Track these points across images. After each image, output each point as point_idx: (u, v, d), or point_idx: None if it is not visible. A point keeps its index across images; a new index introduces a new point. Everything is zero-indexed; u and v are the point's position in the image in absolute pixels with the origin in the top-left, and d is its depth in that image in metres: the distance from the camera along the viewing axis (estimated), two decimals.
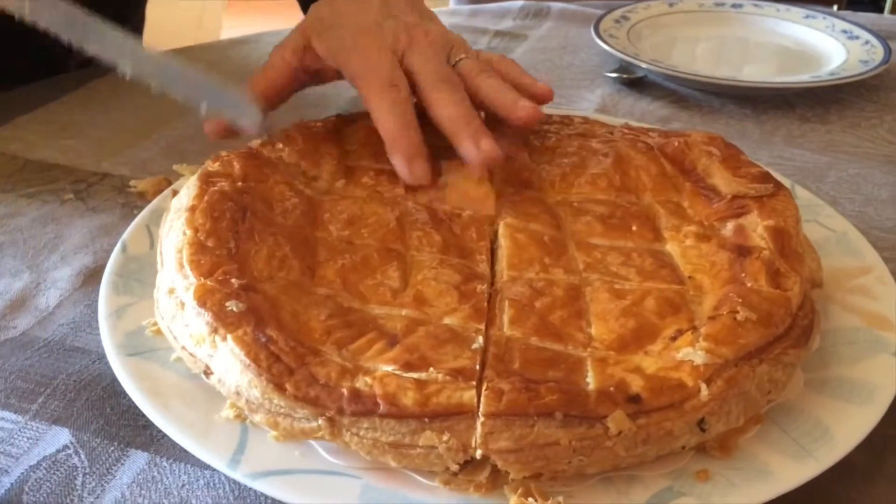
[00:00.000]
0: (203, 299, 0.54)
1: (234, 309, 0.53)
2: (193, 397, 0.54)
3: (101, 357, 0.59)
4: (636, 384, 0.49)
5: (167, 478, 0.53)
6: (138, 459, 0.54)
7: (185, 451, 0.51)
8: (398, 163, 0.69)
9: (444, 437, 0.47)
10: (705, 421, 0.49)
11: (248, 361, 0.50)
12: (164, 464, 0.53)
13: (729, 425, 0.50)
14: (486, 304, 0.57)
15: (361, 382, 0.49)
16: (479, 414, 0.47)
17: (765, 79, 1.15)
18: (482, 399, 0.48)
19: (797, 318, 0.55)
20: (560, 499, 0.46)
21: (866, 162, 0.96)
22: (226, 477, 0.51)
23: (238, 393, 0.50)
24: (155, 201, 0.73)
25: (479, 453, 0.47)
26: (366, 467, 0.49)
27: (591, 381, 0.50)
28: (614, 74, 1.16)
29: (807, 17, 1.30)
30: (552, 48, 1.27)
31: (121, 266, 0.65)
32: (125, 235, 0.69)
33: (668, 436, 0.48)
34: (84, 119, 0.99)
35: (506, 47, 1.27)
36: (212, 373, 0.52)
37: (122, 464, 0.53)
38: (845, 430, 0.52)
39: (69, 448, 0.54)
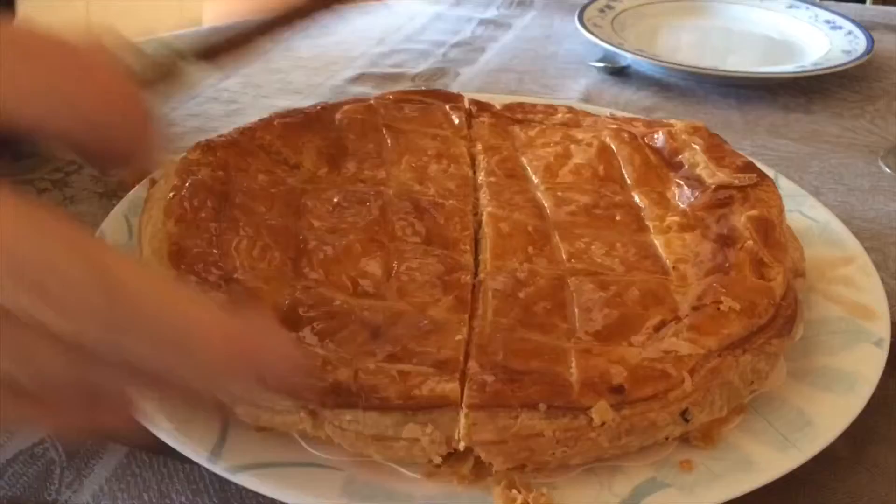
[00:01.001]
0: None
1: (216, 300, 0.52)
2: None
3: None
4: (619, 375, 0.49)
5: (146, 471, 0.52)
6: (117, 453, 0.53)
7: (165, 445, 0.50)
8: None
9: (428, 430, 0.47)
10: (689, 411, 0.49)
11: None
12: (144, 457, 0.53)
13: (712, 415, 0.50)
14: (469, 294, 0.57)
15: (344, 374, 0.48)
16: (463, 406, 0.47)
17: (748, 69, 1.16)
18: (466, 391, 0.47)
19: (780, 307, 0.55)
20: (544, 490, 0.46)
21: (849, 152, 0.96)
22: (206, 470, 0.50)
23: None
24: (133, 191, 0.72)
25: (462, 445, 0.47)
26: (349, 460, 0.49)
27: (574, 371, 0.49)
28: (598, 64, 1.16)
29: (790, 6, 1.31)
30: (536, 37, 1.27)
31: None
32: (103, 225, 0.68)
33: (651, 426, 0.48)
34: None
35: (490, 36, 1.27)
36: None
37: (101, 457, 0.52)
38: (827, 419, 0.52)
39: (46, 442, 0.53)
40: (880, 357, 0.57)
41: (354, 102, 0.81)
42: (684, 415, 0.49)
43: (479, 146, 0.76)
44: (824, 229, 0.72)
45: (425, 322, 0.53)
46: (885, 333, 0.60)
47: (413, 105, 0.81)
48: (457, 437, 0.47)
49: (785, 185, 0.78)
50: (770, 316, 0.54)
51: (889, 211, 0.86)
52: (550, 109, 0.83)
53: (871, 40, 1.17)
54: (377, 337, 0.51)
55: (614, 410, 0.47)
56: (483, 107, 0.83)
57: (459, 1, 1.40)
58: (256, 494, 0.49)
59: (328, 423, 0.48)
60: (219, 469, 0.47)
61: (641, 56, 1.12)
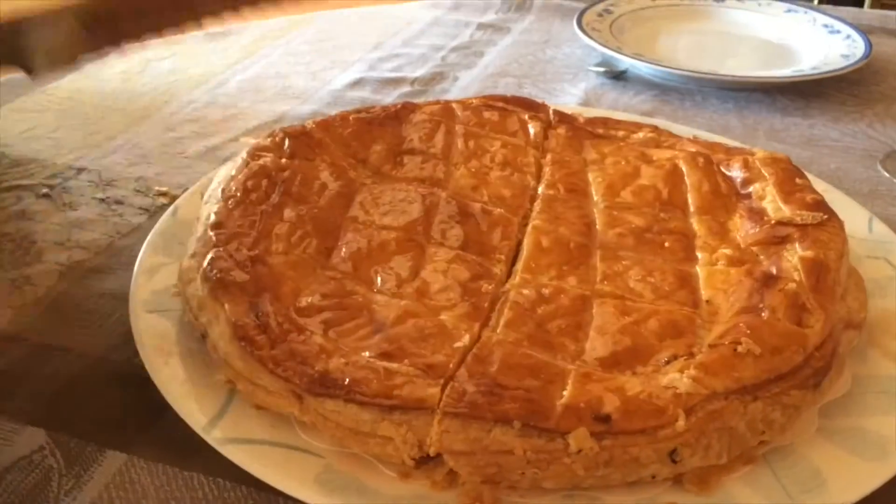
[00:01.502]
0: (211, 266, 0.56)
1: (238, 279, 0.55)
2: (195, 359, 0.56)
3: (81, 356, 0.60)
4: (611, 404, 0.47)
5: (145, 478, 0.51)
6: (115, 460, 0.52)
7: (164, 452, 0.52)
8: None
9: (402, 430, 0.47)
10: (678, 452, 0.47)
11: (236, 329, 0.52)
12: (142, 464, 0.52)
13: (707, 461, 0.48)
14: (487, 303, 0.56)
15: (334, 365, 0.49)
16: (438, 411, 0.47)
17: (747, 73, 1.12)
18: (444, 397, 0.47)
19: (811, 358, 0.52)
20: None
21: (847, 157, 0.94)
22: (205, 477, 0.51)
23: (226, 360, 0.53)
24: (212, 172, 0.77)
25: (433, 450, 0.47)
26: (335, 449, 0.50)
27: (566, 394, 0.48)
28: (597, 68, 1.14)
29: (788, 11, 1.28)
30: (535, 41, 1.25)
31: (166, 228, 0.69)
32: (179, 200, 0.73)
33: (633, 462, 0.46)
34: (57, 115, 0.98)
35: (489, 40, 1.25)
36: (208, 337, 0.54)
37: (100, 465, 0.52)
38: (843, 484, 0.48)
39: (45, 449, 0.53)
40: None
41: (435, 104, 0.82)
42: (672, 455, 0.47)
43: (548, 158, 0.76)
44: None
45: (430, 325, 0.53)
46: None
47: (493, 111, 0.82)
48: (429, 442, 0.47)
49: (879, 231, 0.73)
50: (794, 365, 0.50)
51: (889, 215, 0.80)
52: (634, 127, 0.81)
53: (869, 44, 1.14)
54: (379, 333, 0.52)
55: (595, 439, 0.46)
56: (564, 119, 0.82)
57: (458, 5, 1.39)
58: (256, 501, 0.50)
59: (313, 409, 0.49)
60: (210, 439, 0.50)
61: (640, 60, 1.09)
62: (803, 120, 1.03)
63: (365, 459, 0.49)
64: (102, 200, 0.81)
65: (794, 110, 1.05)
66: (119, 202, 0.81)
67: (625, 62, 1.13)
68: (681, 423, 0.46)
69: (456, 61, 1.19)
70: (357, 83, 1.11)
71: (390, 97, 1.07)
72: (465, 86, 1.11)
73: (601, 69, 1.14)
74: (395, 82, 1.12)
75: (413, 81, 1.12)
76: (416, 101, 0.98)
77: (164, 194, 0.82)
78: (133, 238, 0.74)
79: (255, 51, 1.20)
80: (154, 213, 0.79)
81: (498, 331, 0.54)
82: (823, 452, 0.51)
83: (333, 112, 0.96)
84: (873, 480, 0.49)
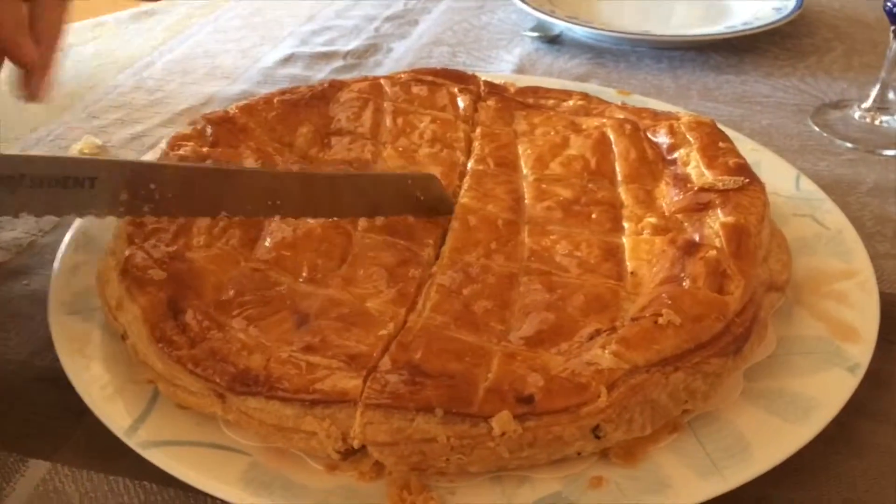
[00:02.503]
0: (127, 264, 0.55)
1: (155, 277, 0.54)
2: (119, 361, 0.55)
3: (2, 362, 0.59)
4: (535, 384, 0.47)
5: (69, 486, 0.50)
6: (39, 469, 0.51)
7: (89, 458, 0.51)
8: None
9: (325, 424, 0.47)
10: (601, 428, 0.47)
11: (153, 330, 0.51)
12: (66, 472, 0.51)
13: (631, 434, 0.48)
14: (413, 289, 0.56)
15: (255, 362, 0.49)
16: (360, 403, 0.47)
17: (679, 32, 1.12)
18: (366, 389, 0.47)
19: (732, 325, 0.52)
20: (433, 495, 0.46)
21: (779, 112, 0.95)
22: (130, 482, 0.50)
23: (146, 361, 0.52)
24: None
25: (356, 443, 0.46)
26: (263, 444, 0.50)
27: (491, 376, 0.48)
28: (532, 33, 1.13)
29: None
30: (469, 7, 1.24)
31: (88, 225, 0.67)
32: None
33: (557, 440, 0.47)
34: None
35: (423, 7, 1.24)
36: (128, 338, 0.53)
37: (22, 475, 0.51)
38: (766, 448, 0.49)
39: None
40: (850, 384, 0.53)
41: (363, 81, 0.81)
42: (596, 431, 0.47)
43: (478, 131, 0.75)
44: (833, 238, 0.67)
45: (355, 314, 0.53)
46: (864, 359, 0.55)
47: (423, 85, 0.80)
48: (353, 434, 0.47)
49: (806, 188, 0.74)
50: (714, 333, 0.51)
51: (818, 170, 0.82)
52: (564, 95, 0.80)
53: None
54: (303, 325, 0.52)
55: (519, 421, 0.46)
56: (494, 90, 0.81)
57: None
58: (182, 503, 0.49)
59: (236, 408, 0.48)
60: (132, 443, 0.49)
61: (573, 23, 1.09)
62: (736, 77, 1.03)
63: (292, 454, 0.49)
64: None
65: (728, 67, 1.05)
66: None
67: (559, 26, 1.12)
68: (602, 399, 0.47)
69: (389, 32, 1.17)
70: (288, 59, 1.09)
71: (323, 73, 1.05)
72: (399, 57, 1.09)
73: (536, 34, 1.13)
74: (328, 56, 1.09)
75: (346, 55, 1.10)
76: (350, 75, 0.97)
77: None
78: (56, 235, 0.72)
79: (182, 30, 1.17)
80: None
81: (425, 314, 0.53)
82: (748, 416, 0.52)
83: (264, 91, 0.95)
84: (796, 442, 0.49)
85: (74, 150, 0.85)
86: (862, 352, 0.56)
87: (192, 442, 0.49)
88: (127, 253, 0.56)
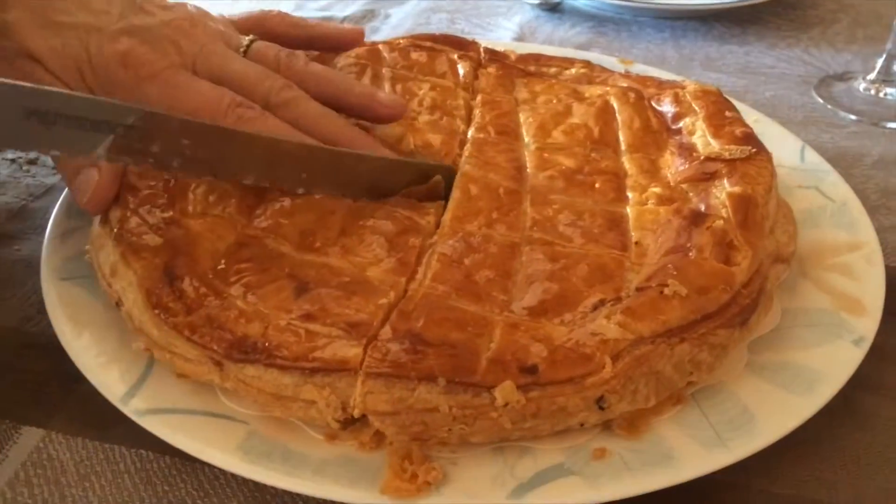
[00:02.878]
0: (122, 230, 0.53)
1: (150, 243, 0.53)
2: (113, 328, 0.54)
3: None
4: (538, 354, 0.46)
5: (63, 454, 0.50)
6: (32, 436, 0.51)
7: (83, 425, 0.50)
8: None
9: (325, 393, 0.46)
10: (605, 399, 0.46)
11: (150, 296, 0.50)
12: (60, 439, 0.50)
13: (635, 405, 0.48)
14: (414, 258, 0.55)
15: (254, 329, 0.48)
16: (361, 372, 0.46)
17: (682, 1, 1.09)
18: (367, 357, 0.46)
19: (738, 296, 0.51)
20: (435, 465, 0.45)
21: (782, 83, 0.94)
22: (126, 449, 0.50)
23: (142, 328, 0.51)
24: None
25: (357, 412, 0.46)
26: (261, 413, 0.49)
27: (493, 346, 0.47)
28: (533, 1, 1.11)
29: None
30: None
31: None
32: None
33: (561, 411, 0.46)
34: None
35: None
36: (123, 305, 0.52)
37: (15, 442, 0.50)
38: (772, 420, 0.49)
39: None
40: (855, 357, 0.53)
41: (361, 46, 0.79)
42: (599, 402, 0.46)
43: (479, 99, 0.73)
44: (838, 210, 0.66)
45: (355, 283, 0.52)
46: (869, 332, 0.55)
47: (422, 51, 0.79)
48: (353, 404, 0.46)
49: (811, 160, 0.73)
50: (721, 304, 0.50)
51: (822, 142, 0.81)
52: (566, 63, 0.79)
53: None
54: (302, 294, 0.51)
55: (522, 392, 0.45)
56: (495, 57, 0.79)
57: None
58: (181, 476, 0.49)
59: (233, 376, 0.48)
60: (128, 410, 0.48)
61: None
62: (739, 47, 1.02)
63: (291, 423, 0.48)
64: (13, 161, 0.77)
65: (731, 38, 1.04)
66: (31, 162, 0.77)
67: None
68: (607, 370, 0.46)
69: None
70: None
71: None
72: (396, 23, 1.08)
73: (536, 1, 1.11)
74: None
75: (343, 20, 1.08)
76: None
77: None
78: (47, 200, 0.71)
79: None
80: None
81: (426, 283, 0.52)
82: (752, 389, 0.51)
83: None
84: (801, 414, 0.49)
85: None
86: (867, 325, 0.55)
87: (189, 410, 0.49)
88: (121, 217, 0.54)
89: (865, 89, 0.91)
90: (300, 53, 0.67)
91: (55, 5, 0.58)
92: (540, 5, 1.11)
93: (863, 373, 0.52)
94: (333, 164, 0.58)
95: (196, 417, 0.48)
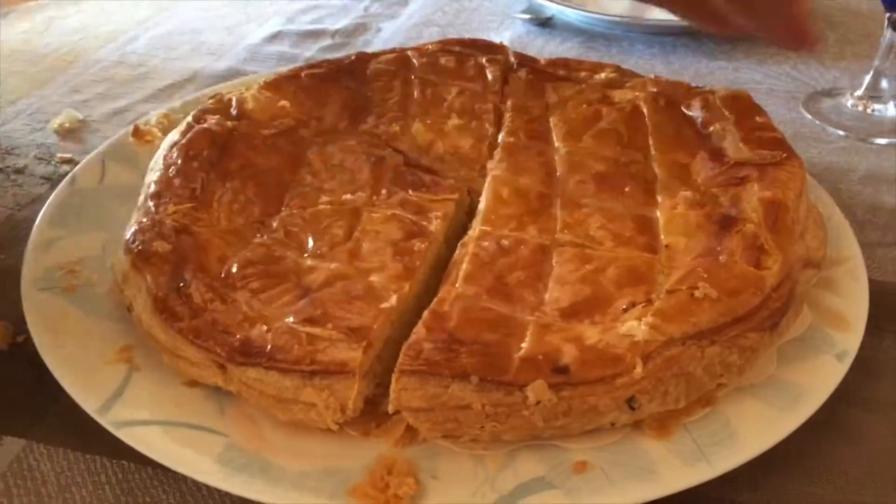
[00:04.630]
0: (133, 236, 0.53)
1: (159, 249, 0.52)
2: (92, 338, 0.52)
3: None
4: (570, 354, 0.45)
5: (44, 464, 0.48)
6: (13, 446, 0.49)
7: (64, 436, 0.49)
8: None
9: (324, 395, 0.45)
10: (635, 399, 0.45)
11: (157, 301, 0.49)
12: (41, 450, 0.49)
13: (665, 406, 0.46)
14: (419, 262, 0.54)
15: (256, 332, 0.47)
16: (396, 370, 0.46)
17: (672, 17, 1.09)
18: (400, 356, 0.46)
19: (769, 299, 0.50)
20: (410, 480, 0.44)
21: (771, 99, 0.93)
22: (108, 460, 0.48)
23: (150, 333, 0.50)
24: (117, 135, 0.73)
25: (391, 408, 0.46)
26: (239, 426, 0.48)
27: (525, 346, 0.46)
28: (523, 15, 1.11)
29: None
30: None
31: (63, 199, 0.64)
32: (77, 168, 0.68)
33: (592, 411, 0.45)
34: None
35: None
36: (133, 310, 0.51)
37: None
38: (753, 436, 0.47)
39: None
40: (838, 372, 0.52)
41: (390, 53, 0.78)
42: (630, 402, 0.45)
43: (509, 103, 0.72)
44: None
45: (359, 287, 0.51)
46: (852, 346, 0.53)
47: (450, 56, 0.77)
48: (351, 405, 0.45)
49: None
50: (751, 307, 0.49)
51: (810, 156, 0.80)
52: (596, 67, 0.77)
53: None
54: (306, 298, 0.50)
55: (553, 391, 0.44)
56: (524, 61, 0.78)
57: None
58: (162, 487, 0.47)
59: (236, 378, 0.47)
60: (105, 422, 0.46)
61: (566, 5, 1.07)
62: (728, 63, 1.01)
63: (271, 436, 0.47)
64: (1, 170, 0.76)
65: (720, 54, 1.04)
66: (19, 171, 0.75)
67: (551, 8, 1.10)
68: (638, 370, 0.45)
69: (378, 11, 1.14)
70: (275, 37, 1.06)
71: (310, 51, 1.02)
72: (388, 37, 1.07)
73: (527, 16, 1.11)
74: (315, 35, 1.07)
75: (334, 34, 1.08)
76: (338, 54, 0.95)
77: (68, 161, 0.77)
78: (34, 209, 0.69)
79: (167, 6, 1.13)
80: (57, 182, 0.72)
81: (458, 285, 0.51)
82: (735, 403, 0.49)
83: (250, 69, 0.94)
84: (783, 429, 0.47)
85: (55, 124, 0.83)
86: (850, 339, 0.54)
87: (168, 421, 0.47)
88: (133, 226, 0.54)
89: (853, 105, 0.91)
90: None
91: None
92: (531, 20, 1.11)
93: (848, 387, 0.51)
94: None
95: (175, 429, 0.46)
